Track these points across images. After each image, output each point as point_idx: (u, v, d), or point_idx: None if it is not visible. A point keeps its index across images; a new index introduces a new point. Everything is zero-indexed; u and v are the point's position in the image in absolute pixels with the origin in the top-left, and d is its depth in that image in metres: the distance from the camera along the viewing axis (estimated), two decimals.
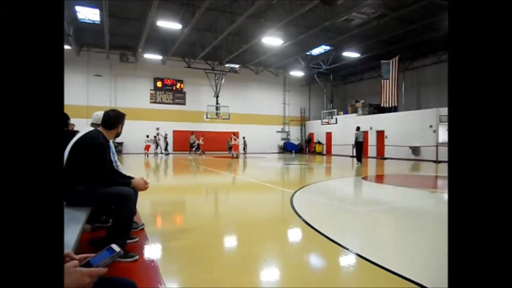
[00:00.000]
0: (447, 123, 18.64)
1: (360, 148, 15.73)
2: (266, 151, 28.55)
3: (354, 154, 16.05)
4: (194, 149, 24.04)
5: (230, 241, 3.83)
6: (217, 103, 24.24)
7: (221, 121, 24.45)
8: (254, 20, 16.76)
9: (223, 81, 25.21)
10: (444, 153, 17.87)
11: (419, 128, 19.72)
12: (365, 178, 10.86)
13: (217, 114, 23.97)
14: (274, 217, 5.18)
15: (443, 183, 9.82)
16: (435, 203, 6.68)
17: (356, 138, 15.76)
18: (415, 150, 19.71)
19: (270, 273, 2.84)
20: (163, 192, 7.70)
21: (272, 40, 18.38)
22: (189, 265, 2.94)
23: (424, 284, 2.44)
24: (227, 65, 24.74)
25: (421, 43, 19.07)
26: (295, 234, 4.10)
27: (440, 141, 18.69)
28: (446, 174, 12.04)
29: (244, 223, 4.60)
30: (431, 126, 19.17)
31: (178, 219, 5.13)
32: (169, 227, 4.47)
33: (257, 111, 28.61)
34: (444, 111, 18.56)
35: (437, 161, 17.66)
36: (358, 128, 16.02)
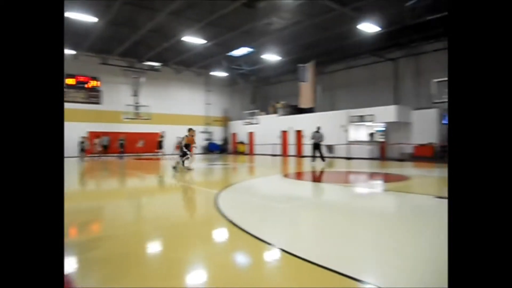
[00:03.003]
0: (356, 123, 20.48)
1: (317, 148, 15.29)
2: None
3: (316, 155, 15.35)
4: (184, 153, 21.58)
5: (154, 247, 3.72)
6: (136, 102, 23.13)
7: (142, 121, 23.40)
8: (175, 17, 16.40)
9: (143, 79, 24.16)
10: (354, 150, 19.61)
11: (333, 127, 21.27)
12: (286, 176, 11.40)
13: (137, 114, 22.90)
14: (198, 218, 5.19)
15: (354, 178, 10.78)
16: (348, 196, 7.33)
17: (316, 139, 15.36)
18: (330, 148, 21.23)
19: (197, 277, 2.87)
20: (79, 199, 7.15)
21: (194, 39, 18.19)
22: (109, 276, 2.83)
23: (341, 271, 2.71)
24: (146, 63, 23.77)
25: (334, 49, 20.59)
26: (220, 235, 4.16)
27: (350, 139, 20.43)
28: (356, 169, 13.26)
29: (167, 227, 4.51)
30: (342, 126, 20.82)
31: (95, 228, 4.83)
32: (85, 237, 4.20)
33: (180, 111, 28.00)
34: (354, 112, 20.33)
35: (348, 158, 19.26)
36: (317, 130, 15.53)
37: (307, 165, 15.46)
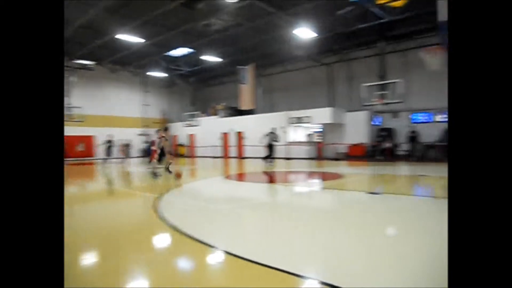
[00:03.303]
0: (295, 125, 21.22)
1: (271, 149, 15.04)
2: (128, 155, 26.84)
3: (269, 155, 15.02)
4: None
5: (90, 257, 3.54)
6: (67, 103, 21.52)
7: (75, 124, 21.79)
8: (109, 14, 15.61)
9: (74, 79, 22.57)
10: (293, 151, 20.29)
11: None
12: (227, 177, 11.45)
13: (68, 116, 21.28)
14: (139, 225, 5.01)
15: (294, 178, 11.17)
16: (288, 196, 7.59)
17: (271, 139, 15.08)
18: None
19: (138, 286, 2.80)
20: None
21: (130, 38, 17.48)
22: None
23: (283, 269, 2.83)
24: (78, 61, 22.25)
25: (273, 52, 21.14)
26: (162, 240, 4.06)
27: (289, 140, 21.11)
28: (296, 169, 13.73)
29: (107, 236, 4.30)
30: (282, 127, 21.44)
31: None
32: None
33: (116, 112, 26.57)
34: (292, 113, 21.04)
35: (288, 158, 19.88)
36: (272, 131, 15.31)
37: (249, 166, 15.67)
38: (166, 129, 10.91)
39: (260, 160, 15.44)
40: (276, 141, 15.18)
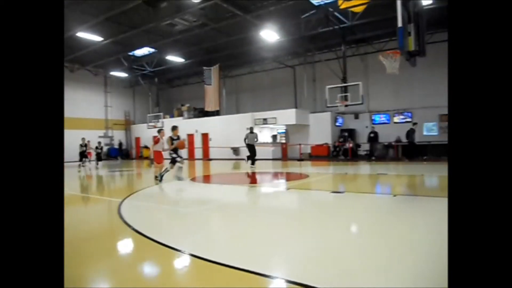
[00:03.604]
0: (260, 126, 21.36)
1: (251, 150, 14.55)
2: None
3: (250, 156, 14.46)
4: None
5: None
6: None
7: None
8: (67, 10, 14.95)
9: None
10: (258, 152, 20.37)
11: (238, 130, 21.82)
12: (193, 179, 11.33)
13: None
14: (101, 231, 4.84)
15: (260, 178, 11.26)
16: (255, 196, 7.65)
17: (250, 139, 14.62)
18: (236, 150, 21.73)
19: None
20: None
21: (89, 36, 16.84)
22: None
23: (249, 269, 2.85)
24: None
25: (238, 54, 21.17)
26: (126, 246, 3.95)
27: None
28: (262, 170, 13.82)
29: (67, 242, 4.13)
30: (248, 128, 21.52)
31: None
32: None
33: (75, 114, 25.33)
34: (258, 115, 21.17)
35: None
36: (251, 130, 14.99)
37: (214, 168, 15.55)
38: (174, 128, 9.35)
39: (225, 161, 15.38)
40: (255, 139, 14.73)
